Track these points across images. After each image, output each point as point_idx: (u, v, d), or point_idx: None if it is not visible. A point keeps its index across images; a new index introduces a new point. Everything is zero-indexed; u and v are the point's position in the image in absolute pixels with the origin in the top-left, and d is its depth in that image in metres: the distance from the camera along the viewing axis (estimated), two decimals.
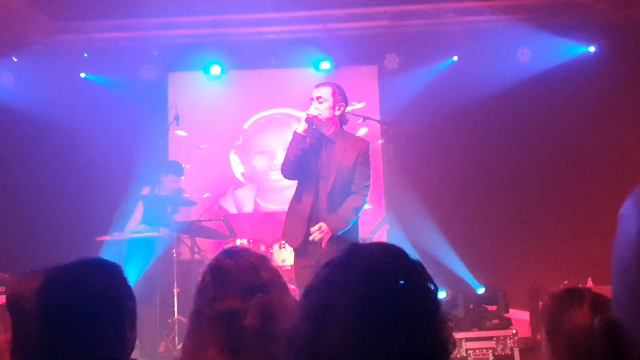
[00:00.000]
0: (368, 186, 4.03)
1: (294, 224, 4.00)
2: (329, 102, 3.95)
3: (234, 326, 1.45)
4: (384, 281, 1.03)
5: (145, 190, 6.15)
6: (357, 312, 1.00)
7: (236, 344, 1.45)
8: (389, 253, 1.09)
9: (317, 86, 4.07)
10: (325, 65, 7.11)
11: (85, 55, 7.17)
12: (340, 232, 3.87)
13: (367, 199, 4.03)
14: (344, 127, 4.10)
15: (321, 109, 3.93)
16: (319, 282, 1.05)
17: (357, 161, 3.96)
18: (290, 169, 3.99)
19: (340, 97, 4.02)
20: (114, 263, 1.55)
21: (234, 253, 1.74)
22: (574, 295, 1.76)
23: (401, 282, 1.04)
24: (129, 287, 1.54)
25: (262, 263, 1.73)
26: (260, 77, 7.40)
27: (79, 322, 1.42)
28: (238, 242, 5.11)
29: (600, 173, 6.85)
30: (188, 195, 6.10)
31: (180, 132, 7.02)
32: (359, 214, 4.00)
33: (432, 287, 1.08)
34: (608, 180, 6.75)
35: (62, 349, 1.41)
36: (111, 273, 1.52)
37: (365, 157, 4.01)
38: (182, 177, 6.10)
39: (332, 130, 4.01)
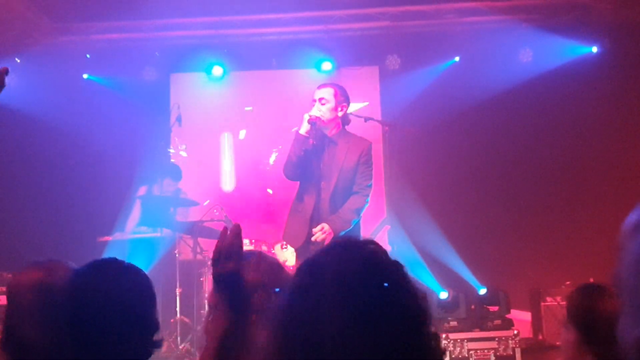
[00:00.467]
0: (370, 186, 4.03)
1: (296, 224, 4.01)
2: (331, 104, 3.97)
3: (235, 284, 1.53)
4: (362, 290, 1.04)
5: (142, 190, 6.17)
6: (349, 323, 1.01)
7: (238, 302, 1.52)
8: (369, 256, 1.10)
9: (319, 87, 4.08)
10: (326, 66, 7.12)
11: (88, 56, 7.19)
12: (342, 233, 3.88)
13: (369, 199, 4.04)
14: (346, 127, 4.11)
15: (323, 111, 3.95)
16: (297, 316, 1.06)
17: (359, 161, 3.97)
18: (292, 170, 4.00)
19: (343, 97, 4.03)
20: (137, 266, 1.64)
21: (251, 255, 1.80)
22: (599, 289, 1.71)
23: (385, 284, 1.05)
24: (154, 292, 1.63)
25: (280, 268, 1.83)
26: (262, 78, 7.40)
27: (113, 315, 1.48)
28: None
29: (602, 174, 6.84)
30: (185, 194, 6.14)
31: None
32: (361, 214, 4.01)
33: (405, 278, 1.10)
34: (610, 181, 6.74)
35: (94, 338, 1.47)
36: (137, 269, 1.61)
37: (367, 157, 4.02)
38: (179, 181, 6.12)
39: (334, 131, 4.02)
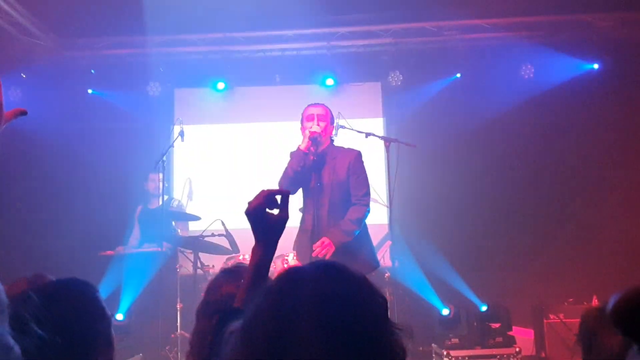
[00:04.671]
0: (367, 194, 4.04)
1: (301, 241, 4.04)
2: (327, 121, 4.11)
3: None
4: (335, 303, 1.06)
5: (138, 210, 6.27)
6: (315, 339, 1.01)
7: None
8: (331, 272, 1.12)
9: (313, 106, 4.17)
10: (329, 82, 7.16)
11: (93, 71, 7.25)
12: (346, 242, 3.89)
13: (370, 207, 4.04)
14: (335, 142, 4.23)
15: (323, 127, 4.01)
16: (265, 314, 1.07)
17: (349, 172, 4.01)
18: (288, 184, 4.03)
19: (332, 115, 4.20)
20: (87, 283, 1.53)
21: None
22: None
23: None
24: (102, 309, 1.51)
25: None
26: (265, 94, 7.44)
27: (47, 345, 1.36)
28: (241, 257, 5.11)
29: (604, 191, 6.83)
30: (177, 201, 6.18)
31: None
32: (363, 224, 4.00)
33: (380, 299, 1.12)
34: (613, 198, 6.73)
35: None
36: (83, 295, 1.49)
37: (356, 167, 4.04)
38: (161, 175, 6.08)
39: (324, 146, 4.10)
